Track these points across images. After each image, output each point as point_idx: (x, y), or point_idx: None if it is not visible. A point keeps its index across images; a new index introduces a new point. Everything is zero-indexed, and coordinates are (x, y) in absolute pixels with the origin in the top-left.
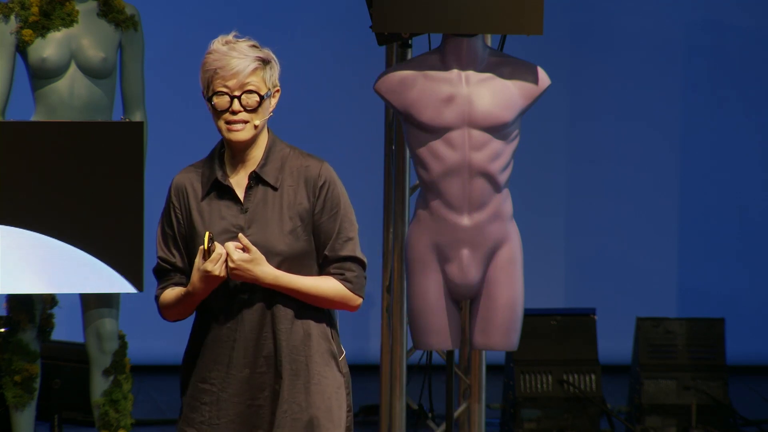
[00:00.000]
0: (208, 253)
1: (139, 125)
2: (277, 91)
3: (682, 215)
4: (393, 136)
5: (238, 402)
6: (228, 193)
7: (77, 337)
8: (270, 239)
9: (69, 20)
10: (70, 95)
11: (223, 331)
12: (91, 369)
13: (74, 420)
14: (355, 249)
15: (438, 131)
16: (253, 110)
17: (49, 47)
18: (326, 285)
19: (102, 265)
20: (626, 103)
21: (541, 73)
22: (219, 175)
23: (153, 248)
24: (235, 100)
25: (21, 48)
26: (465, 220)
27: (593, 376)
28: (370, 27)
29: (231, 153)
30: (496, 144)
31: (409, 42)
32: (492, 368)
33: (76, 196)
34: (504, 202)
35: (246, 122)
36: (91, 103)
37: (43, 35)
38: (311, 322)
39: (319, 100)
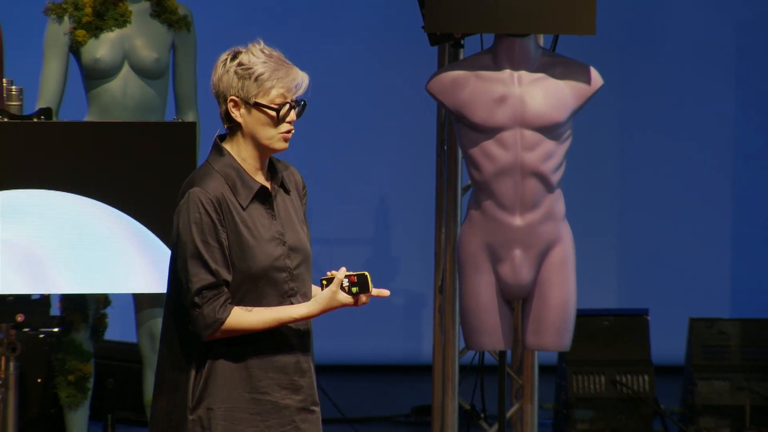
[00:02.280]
0: (351, 289)
1: (192, 125)
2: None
3: (735, 215)
4: (445, 137)
5: (293, 408)
6: (264, 201)
7: (130, 337)
8: (303, 242)
9: (122, 21)
10: (123, 95)
11: (273, 337)
12: (144, 369)
13: (127, 419)
14: None
15: (490, 131)
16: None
17: (102, 48)
18: None
19: (157, 265)
20: (677, 106)
21: (594, 73)
22: (260, 183)
23: None
24: (293, 110)
25: (74, 48)
26: (517, 221)
27: (646, 377)
28: (423, 27)
29: (244, 160)
30: (548, 144)
31: (462, 42)
32: (544, 369)
33: (129, 197)
34: (556, 202)
35: (293, 131)
36: (143, 103)
37: (96, 36)
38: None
39: (371, 102)
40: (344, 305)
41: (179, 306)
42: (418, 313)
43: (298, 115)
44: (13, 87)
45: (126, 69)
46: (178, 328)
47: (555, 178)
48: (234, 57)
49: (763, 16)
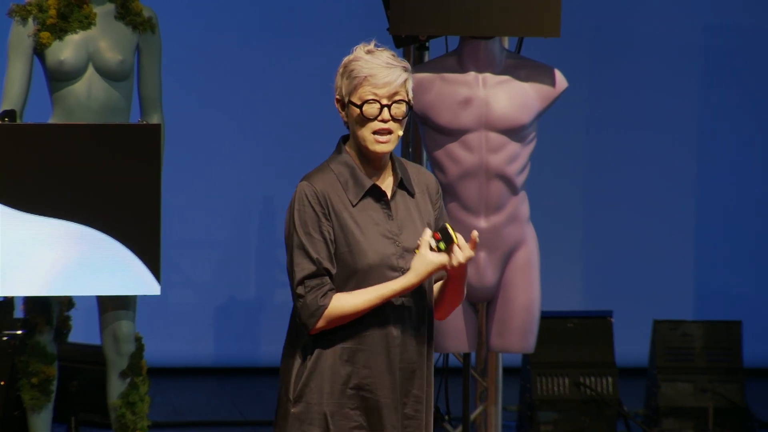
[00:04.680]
0: (439, 245)
1: (157, 128)
2: (412, 105)
3: (699, 218)
4: (410, 139)
5: (393, 408)
6: (378, 200)
7: (94, 340)
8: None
9: (87, 23)
10: (88, 97)
11: (379, 336)
12: (108, 371)
13: (91, 422)
14: None
15: (455, 134)
16: (400, 120)
17: (66, 50)
18: None
19: (121, 267)
20: (643, 107)
21: (558, 76)
22: (372, 182)
23: (170, 252)
24: (385, 109)
25: (39, 50)
26: (482, 223)
27: (610, 379)
28: (388, 30)
29: (363, 160)
30: (513, 146)
31: (426, 44)
32: (509, 371)
33: (92, 200)
34: (521, 204)
35: (391, 132)
36: (108, 105)
37: (60, 38)
38: (433, 326)
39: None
40: (439, 264)
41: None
42: None
43: (396, 117)
44: None
45: (90, 71)
46: (293, 321)
47: (519, 180)
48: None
49: (728, 20)
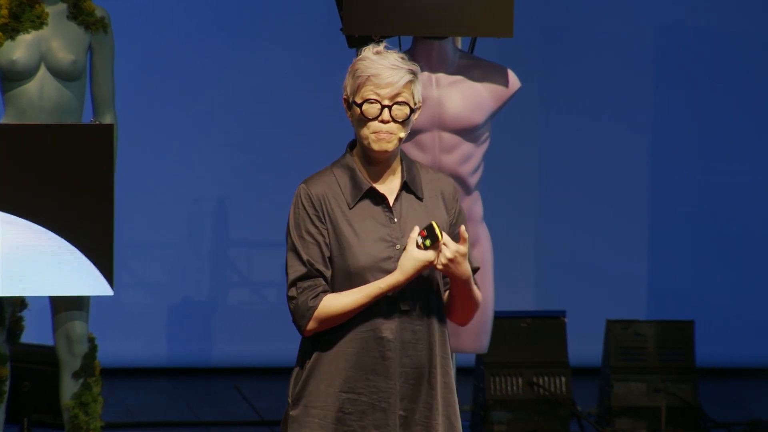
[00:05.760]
0: (425, 243)
1: (109, 128)
2: (420, 108)
3: (652, 219)
4: None
5: (390, 411)
6: (378, 203)
7: (47, 340)
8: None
9: (39, 22)
10: (40, 97)
11: (374, 340)
12: (61, 372)
13: (44, 423)
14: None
15: (409, 134)
16: (402, 123)
17: (18, 49)
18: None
19: (74, 268)
20: (596, 107)
21: (512, 76)
22: (371, 184)
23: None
24: (386, 110)
25: None
26: None
27: (563, 379)
28: (341, 30)
29: (367, 163)
30: (466, 147)
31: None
32: (462, 371)
33: (45, 200)
34: (474, 204)
35: (392, 134)
36: (60, 105)
37: (12, 37)
38: (446, 330)
39: (291, 103)
40: (426, 262)
41: None
42: None
43: (396, 119)
44: None
45: (43, 71)
46: None
47: (473, 180)
48: None
49: (680, 20)
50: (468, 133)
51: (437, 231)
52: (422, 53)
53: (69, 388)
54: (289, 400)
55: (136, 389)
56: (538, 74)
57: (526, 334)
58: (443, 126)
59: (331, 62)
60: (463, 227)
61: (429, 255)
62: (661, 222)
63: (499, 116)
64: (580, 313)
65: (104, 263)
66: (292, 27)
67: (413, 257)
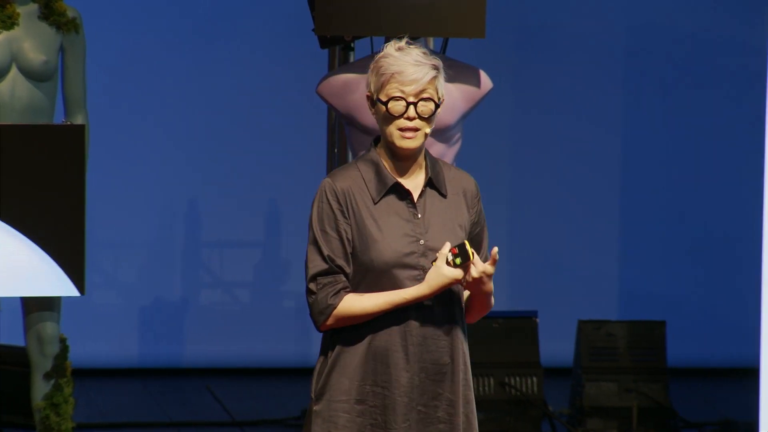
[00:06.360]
0: (455, 260)
1: (81, 128)
2: (443, 102)
3: (623, 219)
4: (335, 139)
5: (410, 407)
6: (402, 198)
7: (18, 341)
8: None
9: (10, 23)
10: (11, 98)
11: (397, 333)
12: (32, 372)
13: (15, 424)
14: None
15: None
16: (427, 119)
17: None
18: None
19: (44, 269)
20: (568, 108)
21: (484, 77)
22: (396, 179)
23: (95, 253)
24: (411, 107)
25: None
26: None
27: (535, 379)
28: (313, 30)
29: (393, 157)
30: (438, 147)
31: (351, 45)
32: None
33: (16, 200)
34: None
35: (418, 130)
36: (32, 105)
37: None
38: (465, 327)
39: (261, 104)
40: (454, 279)
41: None
42: (308, 317)
43: (422, 115)
44: None
45: (14, 71)
46: None
47: None
48: None
49: (652, 21)
50: (440, 133)
51: (469, 251)
52: None
53: (40, 388)
54: (312, 395)
55: (107, 390)
56: (510, 75)
57: (498, 335)
58: None
59: (302, 63)
60: (495, 249)
61: (457, 273)
62: (632, 222)
63: (471, 117)
64: (552, 313)
65: (75, 264)
66: (263, 28)
67: (442, 273)
